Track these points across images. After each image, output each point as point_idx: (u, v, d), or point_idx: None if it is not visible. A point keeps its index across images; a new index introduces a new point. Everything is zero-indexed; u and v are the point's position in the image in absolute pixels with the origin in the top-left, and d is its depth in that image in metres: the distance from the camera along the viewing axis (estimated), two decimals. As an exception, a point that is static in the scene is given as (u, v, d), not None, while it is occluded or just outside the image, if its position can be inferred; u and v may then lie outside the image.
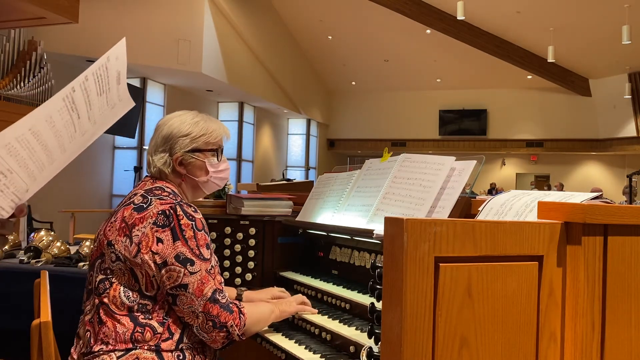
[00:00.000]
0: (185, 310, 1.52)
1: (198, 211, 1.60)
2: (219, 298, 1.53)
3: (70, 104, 1.01)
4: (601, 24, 12.45)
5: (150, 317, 1.53)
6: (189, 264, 1.51)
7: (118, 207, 1.65)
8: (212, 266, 1.55)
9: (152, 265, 1.50)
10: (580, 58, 14.74)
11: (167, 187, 1.67)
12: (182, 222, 1.54)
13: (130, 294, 1.53)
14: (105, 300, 1.54)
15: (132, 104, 1.20)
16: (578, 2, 11.98)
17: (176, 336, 1.55)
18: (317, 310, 1.88)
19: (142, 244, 1.51)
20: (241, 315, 1.56)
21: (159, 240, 1.51)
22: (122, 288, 1.53)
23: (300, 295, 1.96)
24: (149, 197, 1.59)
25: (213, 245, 2.35)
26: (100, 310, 1.54)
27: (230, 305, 1.55)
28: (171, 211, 1.54)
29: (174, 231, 1.52)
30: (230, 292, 2.00)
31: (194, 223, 1.55)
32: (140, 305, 1.53)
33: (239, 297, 2.00)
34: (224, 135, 1.81)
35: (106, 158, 10.76)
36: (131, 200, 1.61)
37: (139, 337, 1.51)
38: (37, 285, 1.86)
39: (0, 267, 2.90)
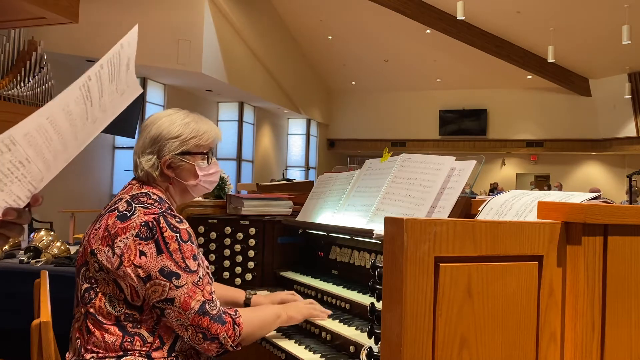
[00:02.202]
0: (173, 323, 1.48)
1: (184, 221, 1.54)
2: (209, 309, 1.47)
3: (86, 93, 0.99)
4: (601, 24, 12.46)
5: (139, 326, 1.50)
6: (174, 277, 1.45)
7: (103, 210, 1.59)
8: (200, 277, 1.49)
9: (135, 278, 1.46)
10: (580, 58, 14.74)
11: (154, 194, 1.60)
12: (165, 234, 1.47)
13: (116, 303, 1.49)
14: (92, 310, 1.50)
15: (140, 90, 1.18)
16: (578, 2, 11.98)
17: (168, 345, 1.52)
18: (327, 316, 1.81)
19: (124, 256, 1.46)
20: (235, 327, 1.49)
21: (142, 254, 1.46)
22: (107, 298, 1.50)
23: (310, 300, 1.87)
24: (134, 205, 1.53)
25: (209, 247, 2.35)
26: (88, 320, 1.51)
27: (223, 315, 1.49)
28: (154, 223, 1.48)
29: (158, 244, 1.46)
30: (238, 295, 1.97)
31: (178, 235, 1.49)
32: (127, 315, 1.49)
33: (247, 301, 1.96)
34: (215, 137, 1.73)
35: (106, 158, 10.76)
36: (116, 206, 1.55)
37: (129, 346, 1.48)
38: (37, 285, 1.86)
39: (0, 267, 2.90)
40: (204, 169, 1.69)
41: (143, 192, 1.59)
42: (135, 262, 1.45)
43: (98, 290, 1.51)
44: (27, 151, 0.93)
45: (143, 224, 1.48)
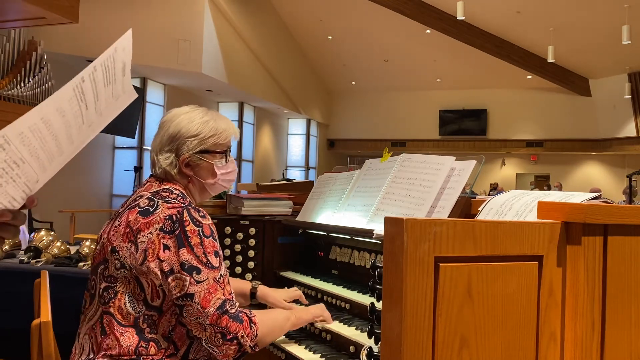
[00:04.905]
0: (192, 322, 1.44)
1: (207, 216, 1.52)
2: (228, 308, 1.44)
3: (79, 94, 1.00)
4: (601, 24, 12.45)
5: (155, 330, 1.47)
6: (194, 272, 1.42)
7: (122, 208, 1.57)
8: (221, 275, 1.46)
9: (159, 273, 1.43)
10: (580, 58, 14.74)
11: (175, 189, 1.59)
12: (187, 228, 1.45)
13: (136, 304, 1.47)
14: (111, 310, 1.47)
15: (135, 95, 1.19)
16: (578, 2, 11.98)
17: (182, 351, 1.50)
18: (332, 321, 1.79)
19: (149, 251, 1.44)
20: (252, 325, 1.46)
21: (166, 247, 1.44)
22: (127, 297, 1.47)
23: (320, 304, 1.84)
24: (156, 200, 1.52)
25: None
26: (104, 320, 1.48)
27: (240, 314, 1.47)
28: (178, 216, 1.47)
29: (179, 238, 1.44)
30: (244, 286, 1.96)
31: (200, 229, 1.47)
32: (146, 317, 1.47)
33: (253, 292, 1.95)
34: (233, 135, 1.73)
35: (106, 158, 10.76)
36: (136, 202, 1.53)
37: (143, 352, 1.46)
38: (37, 285, 1.86)
39: (0, 267, 2.90)
40: (222, 167, 1.69)
41: (164, 188, 1.58)
42: (159, 256, 1.44)
43: (118, 288, 1.48)
44: (22, 151, 0.93)
45: (167, 217, 1.47)
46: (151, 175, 1.67)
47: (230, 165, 1.72)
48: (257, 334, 1.47)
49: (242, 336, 1.44)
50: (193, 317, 1.44)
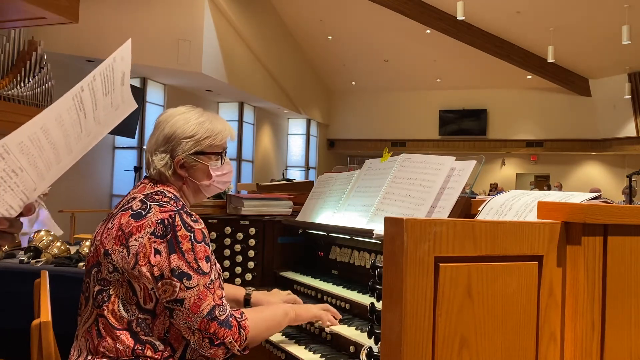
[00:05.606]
0: (181, 326, 1.45)
1: (199, 221, 1.52)
2: (217, 314, 1.44)
3: (78, 104, 1.01)
4: (601, 24, 12.46)
5: (151, 333, 1.47)
6: (185, 278, 1.42)
7: (115, 210, 1.57)
8: (211, 280, 1.46)
9: (150, 277, 1.43)
10: (580, 58, 14.74)
11: (169, 192, 1.58)
12: (179, 233, 1.45)
13: (129, 307, 1.47)
14: (105, 313, 1.47)
15: (135, 105, 1.19)
16: (578, 2, 11.98)
17: (179, 353, 1.50)
18: (338, 322, 1.76)
19: (140, 255, 1.44)
20: (241, 330, 1.47)
21: (157, 252, 1.43)
22: (120, 301, 1.47)
23: (324, 305, 1.82)
24: (148, 203, 1.51)
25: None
26: (100, 323, 1.48)
27: (230, 319, 1.46)
28: (170, 221, 1.46)
29: (171, 243, 1.44)
30: (238, 293, 1.96)
31: (192, 234, 1.47)
32: (140, 320, 1.47)
33: (247, 298, 1.94)
34: (229, 136, 1.71)
35: (106, 158, 10.77)
36: (129, 205, 1.53)
37: (140, 354, 1.46)
38: (37, 285, 1.86)
39: (0, 267, 2.90)
40: (217, 169, 1.68)
41: (157, 191, 1.57)
42: (150, 261, 1.43)
43: (111, 292, 1.48)
44: (20, 160, 0.94)
45: (159, 221, 1.46)
46: (145, 177, 1.67)
47: (226, 166, 1.71)
48: (246, 338, 1.48)
49: (230, 342, 1.45)
50: (182, 321, 1.44)
